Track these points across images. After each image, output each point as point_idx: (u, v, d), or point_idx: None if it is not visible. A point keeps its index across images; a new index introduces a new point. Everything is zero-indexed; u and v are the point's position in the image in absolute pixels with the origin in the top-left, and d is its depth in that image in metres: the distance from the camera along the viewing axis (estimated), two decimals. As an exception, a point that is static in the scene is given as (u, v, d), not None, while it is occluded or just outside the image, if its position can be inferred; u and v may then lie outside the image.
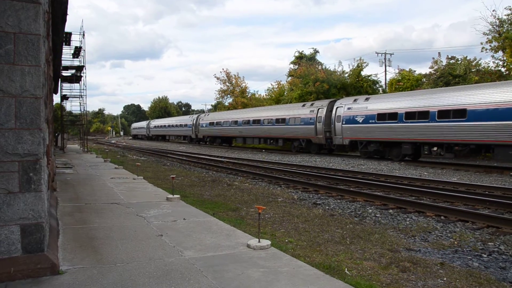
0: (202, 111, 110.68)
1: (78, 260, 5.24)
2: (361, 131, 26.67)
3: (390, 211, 10.31)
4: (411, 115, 23.30)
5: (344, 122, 28.09)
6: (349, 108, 27.98)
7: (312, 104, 33.02)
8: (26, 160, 4.66)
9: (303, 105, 34.07)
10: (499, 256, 6.71)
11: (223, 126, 47.05)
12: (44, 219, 4.77)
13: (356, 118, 27.06)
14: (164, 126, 72.49)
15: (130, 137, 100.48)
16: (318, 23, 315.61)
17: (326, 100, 32.66)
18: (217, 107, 73.43)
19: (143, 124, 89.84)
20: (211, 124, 50.69)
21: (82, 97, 34.30)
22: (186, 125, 60.17)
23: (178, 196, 10.34)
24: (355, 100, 28.18)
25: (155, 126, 78.29)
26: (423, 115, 22.63)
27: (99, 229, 6.89)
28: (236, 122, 43.69)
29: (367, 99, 27.23)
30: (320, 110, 31.23)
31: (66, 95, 34.44)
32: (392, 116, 24.44)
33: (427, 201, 11.19)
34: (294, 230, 8.02)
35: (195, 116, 58.45)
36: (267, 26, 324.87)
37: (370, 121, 25.89)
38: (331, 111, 29.96)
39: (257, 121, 39.56)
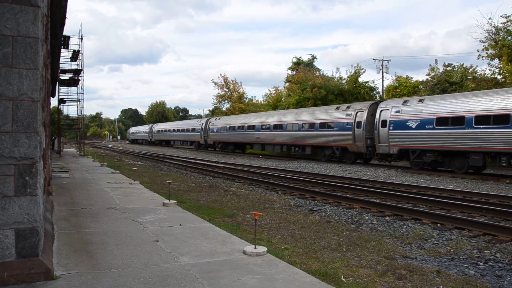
0: (200, 116, 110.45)
1: (73, 265, 5.20)
2: (414, 138, 22.82)
3: (387, 218, 10.30)
4: (483, 120, 19.58)
5: (391, 128, 24.19)
6: (397, 112, 24.09)
7: (348, 107, 29.01)
8: (22, 163, 4.63)
9: (337, 108, 30.13)
10: (495, 264, 6.71)
11: (237, 131, 42.72)
12: (39, 223, 4.74)
13: (407, 123, 23.22)
14: (169, 130, 67.94)
15: (127, 142, 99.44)
16: (316, 29, 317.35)
17: (366, 102, 29.16)
18: (215, 112, 73.29)
19: (145, 128, 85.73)
20: (223, 129, 46.25)
21: (79, 101, 34.28)
22: (194, 130, 55.34)
23: (175, 201, 10.30)
24: (405, 102, 24.27)
25: (158, 131, 73.87)
26: (501, 119, 18.98)
27: (95, 234, 6.85)
28: (253, 127, 39.57)
29: (421, 100, 23.51)
30: (359, 113, 27.32)
31: (64, 98, 34.36)
32: (457, 121, 20.69)
33: (423, 209, 11.19)
34: (291, 236, 8.00)
35: (204, 120, 54.29)
36: (266, 32, 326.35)
37: (427, 126, 22.11)
38: (373, 114, 26.17)
39: (278, 126, 35.49)
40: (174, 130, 65.12)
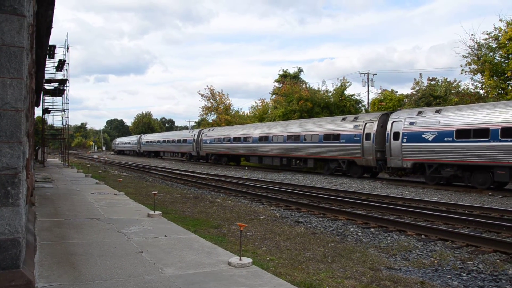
0: (186, 128, 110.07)
1: (55, 277, 5.12)
2: (431, 152, 21.31)
3: (372, 229, 10.36)
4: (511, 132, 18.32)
5: (404, 140, 22.70)
6: (411, 123, 22.54)
7: (356, 118, 27.27)
8: (4, 173, 4.56)
9: (343, 119, 28.28)
10: (478, 275, 6.79)
11: (232, 143, 40.91)
12: (20, 234, 4.66)
13: (423, 136, 21.72)
14: (158, 141, 65.44)
15: (112, 152, 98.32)
16: (304, 43, 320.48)
17: (376, 113, 27.49)
18: (201, 123, 73.05)
19: (133, 139, 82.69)
20: (217, 140, 44.25)
21: (64, 111, 34.00)
22: (185, 141, 53.11)
23: (160, 212, 10.23)
24: (419, 113, 22.71)
25: (147, 142, 71.50)
26: None
27: (78, 245, 6.76)
28: (250, 139, 37.81)
29: (438, 111, 21.88)
30: (368, 125, 25.61)
31: (48, 108, 34.06)
32: (481, 133, 19.33)
33: (408, 220, 11.30)
34: (276, 248, 8.00)
35: (196, 131, 51.95)
36: (253, 44, 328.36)
37: (445, 139, 20.66)
38: (383, 126, 24.73)
39: (278, 138, 33.73)
40: (164, 141, 62.80)
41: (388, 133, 23.88)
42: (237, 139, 40.29)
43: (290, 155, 32.40)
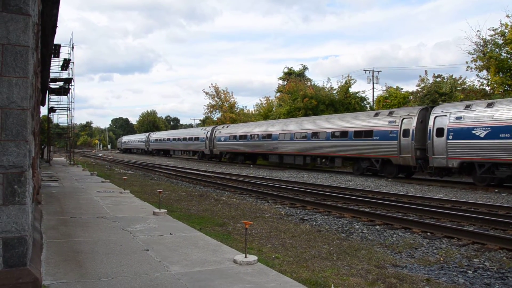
0: (191, 126, 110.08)
1: (62, 274, 5.15)
2: (483, 149, 19.44)
3: (377, 227, 10.34)
4: None
5: (450, 137, 20.78)
6: (458, 118, 20.64)
7: (391, 113, 24.95)
8: (11, 172, 4.59)
9: (376, 114, 26.02)
10: (484, 272, 6.76)
11: (249, 141, 38.59)
12: (27, 232, 4.69)
13: (473, 132, 19.85)
14: (168, 139, 62.63)
15: (118, 151, 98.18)
16: (308, 40, 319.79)
17: (415, 107, 24.90)
18: (206, 122, 73.04)
19: (141, 137, 79.81)
20: (233, 137, 41.88)
21: (69, 110, 34.14)
22: (197, 139, 50.59)
23: (165, 210, 10.26)
24: (468, 107, 20.75)
25: (156, 140, 68.76)
26: None
27: (84, 243, 6.80)
28: (269, 136, 35.58)
29: (490, 104, 20.05)
30: (406, 120, 23.30)
31: (54, 107, 34.21)
32: None
33: (413, 218, 11.25)
34: (281, 245, 8.00)
35: (209, 128, 49.37)
36: (258, 42, 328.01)
37: (501, 135, 18.77)
38: (423, 121, 22.69)
39: (302, 135, 31.47)
40: (174, 139, 59.99)
41: (430, 129, 21.77)
42: (254, 136, 38.05)
43: (314, 153, 30.21)
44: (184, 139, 55.70)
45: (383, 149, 24.39)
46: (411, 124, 23.02)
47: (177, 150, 60.27)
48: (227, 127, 45.63)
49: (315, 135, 30.03)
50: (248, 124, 44.04)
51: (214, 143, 46.05)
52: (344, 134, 27.30)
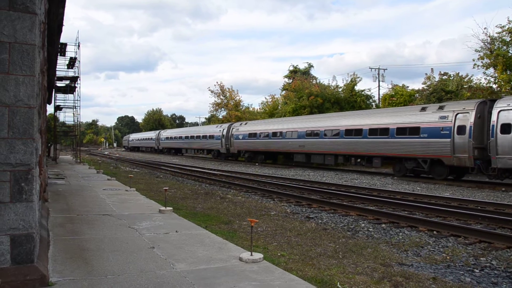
0: (196, 124, 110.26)
1: (69, 271, 5.18)
2: None
3: (383, 225, 10.31)
4: None
5: None
6: None
7: (441, 107, 22.02)
8: (18, 170, 4.63)
9: (423, 109, 23.00)
10: (491, 271, 6.72)
11: (271, 139, 35.90)
12: (34, 229, 4.72)
13: None
14: (180, 137, 59.70)
15: (123, 149, 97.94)
16: (315, 38, 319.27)
17: (471, 101, 21.86)
18: (211, 120, 73.02)
19: (150, 134, 77.17)
20: (253, 135, 38.88)
21: (75, 108, 34.27)
22: (212, 137, 47.73)
23: (171, 208, 10.29)
24: None
25: (167, 138, 65.86)
26: None
27: (91, 241, 6.83)
28: (294, 134, 32.93)
29: None
30: (460, 115, 20.55)
31: (60, 105, 34.36)
32: None
33: (419, 216, 11.21)
34: (287, 243, 8.00)
35: (225, 125, 46.64)
36: (264, 40, 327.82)
37: None
38: (481, 117, 20.09)
39: (333, 132, 28.74)
40: (187, 137, 57.00)
41: (493, 125, 19.18)
42: (277, 134, 35.16)
43: (348, 152, 27.52)
44: (198, 137, 52.93)
45: (433, 148, 21.56)
46: (468, 119, 20.18)
47: (190, 149, 57.48)
48: (246, 124, 42.83)
49: (349, 132, 27.19)
50: (270, 120, 41.10)
51: (231, 141, 43.39)
52: (384, 131, 24.47)
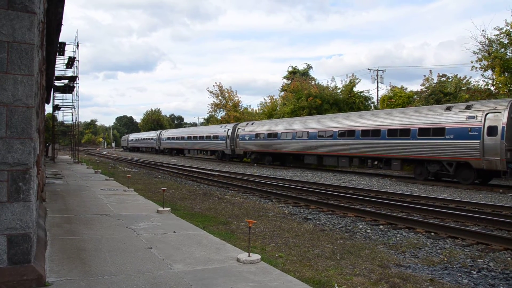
0: (195, 124, 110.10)
1: (66, 272, 5.17)
2: None
3: (381, 227, 10.31)
4: None
5: None
6: None
7: (469, 107, 20.80)
8: (16, 169, 4.62)
9: (448, 108, 21.67)
10: (488, 273, 6.73)
11: (280, 140, 34.45)
12: (32, 229, 4.71)
13: None
14: (183, 137, 58.03)
15: (121, 149, 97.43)
16: (314, 39, 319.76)
17: (502, 100, 20.45)
18: (210, 120, 72.98)
19: (151, 134, 75.54)
20: (259, 136, 37.48)
21: (74, 108, 34.20)
22: (216, 137, 46.17)
23: (169, 208, 10.28)
24: None
25: (168, 138, 64.38)
26: None
27: (88, 241, 6.82)
28: (304, 134, 31.55)
29: None
30: (490, 115, 19.37)
31: (58, 105, 34.30)
32: None
33: (417, 218, 11.22)
34: (285, 244, 8.00)
35: (230, 125, 45.20)
36: (263, 41, 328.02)
37: None
38: None
39: (348, 133, 27.25)
40: (189, 138, 55.27)
41: None
42: (287, 134, 33.81)
43: (364, 154, 26.08)
44: (201, 137, 51.13)
45: (460, 150, 20.25)
46: (500, 120, 18.98)
47: (192, 150, 55.73)
48: (252, 124, 41.12)
49: (366, 133, 25.73)
50: (279, 121, 39.19)
51: (237, 142, 41.75)
52: (405, 132, 23.15)
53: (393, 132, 23.87)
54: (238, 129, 42.27)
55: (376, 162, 25.78)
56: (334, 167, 31.08)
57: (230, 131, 43.54)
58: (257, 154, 39.33)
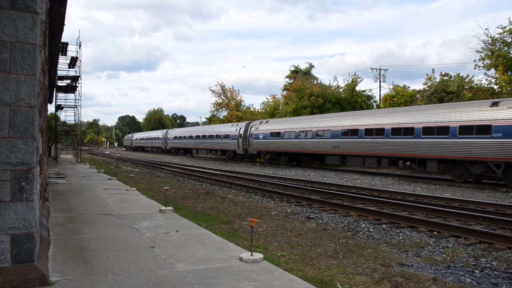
0: (197, 124, 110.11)
1: (69, 271, 5.18)
2: None
3: (383, 226, 10.30)
4: None
5: None
6: None
7: None
8: (19, 169, 4.63)
9: (495, 104, 19.57)
10: (491, 272, 6.71)
11: (299, 139, 32.21)
12: (35, 229, 4.72)
13: None
14: (191, 137, 55.49)
15: (124, 149, 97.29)
16: (316, 39, 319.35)
17: None
18: (212, 120, 72.95)
19: (157, 134, 73.09)
20: (276, 135, 35.12)
21: (76, 107, 34.31)
22: (227, 136, 43.84)
23: (171, 208, 10.28)
24: None
25: (175, 137, 61.94)
26: None
27: (91, 240, 6.83)
28: (326, 133, 29.34)
29: None
30: None
31: (61, 105, 34.40)
32: None
33: (420, 217, 11.20)
34: (287, 243, 8.00)
35: (242, 124, 42.74)
36: (266, 40, 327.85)
37: None
38: None
39: (375, 132, 25.22)
40: (198, 137, 52.74)
41: None
42: (306, 133, 31.56)
43: (396, 154, 23.91)
44: (211, 136, 48.59)
45: (510, 150, 18.27)
46: None
47: (201, 149, 53.28)
48: (267, 122, 38.79)
49: (397, 131, 23.71)
50: (296, 118, 36.76)
51: (250, 141, 39.37)
52: (443, 130, 21.05)
53: (429, 130, 21.79)
54: (251, 127, 39.92)
55: (408, 163, 23.69)
56: (358, 167, 29.69)
57: (242, 130, 41.28)
58: (272, 154, 37.22)
